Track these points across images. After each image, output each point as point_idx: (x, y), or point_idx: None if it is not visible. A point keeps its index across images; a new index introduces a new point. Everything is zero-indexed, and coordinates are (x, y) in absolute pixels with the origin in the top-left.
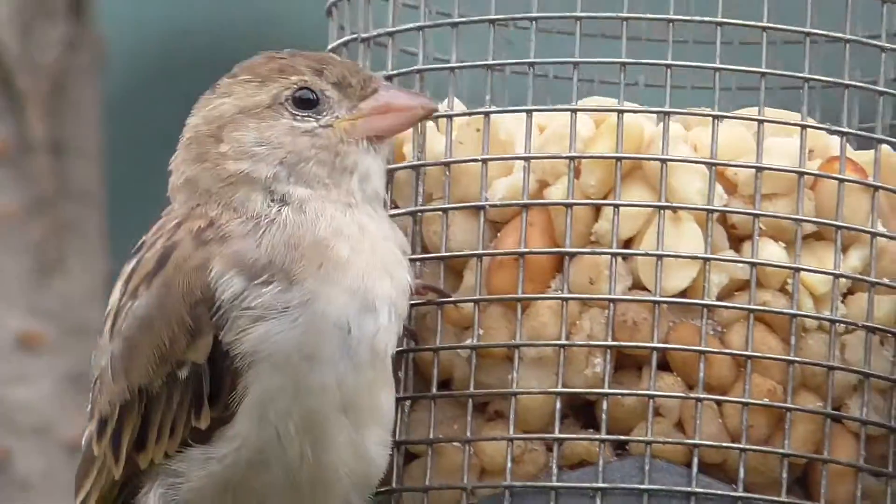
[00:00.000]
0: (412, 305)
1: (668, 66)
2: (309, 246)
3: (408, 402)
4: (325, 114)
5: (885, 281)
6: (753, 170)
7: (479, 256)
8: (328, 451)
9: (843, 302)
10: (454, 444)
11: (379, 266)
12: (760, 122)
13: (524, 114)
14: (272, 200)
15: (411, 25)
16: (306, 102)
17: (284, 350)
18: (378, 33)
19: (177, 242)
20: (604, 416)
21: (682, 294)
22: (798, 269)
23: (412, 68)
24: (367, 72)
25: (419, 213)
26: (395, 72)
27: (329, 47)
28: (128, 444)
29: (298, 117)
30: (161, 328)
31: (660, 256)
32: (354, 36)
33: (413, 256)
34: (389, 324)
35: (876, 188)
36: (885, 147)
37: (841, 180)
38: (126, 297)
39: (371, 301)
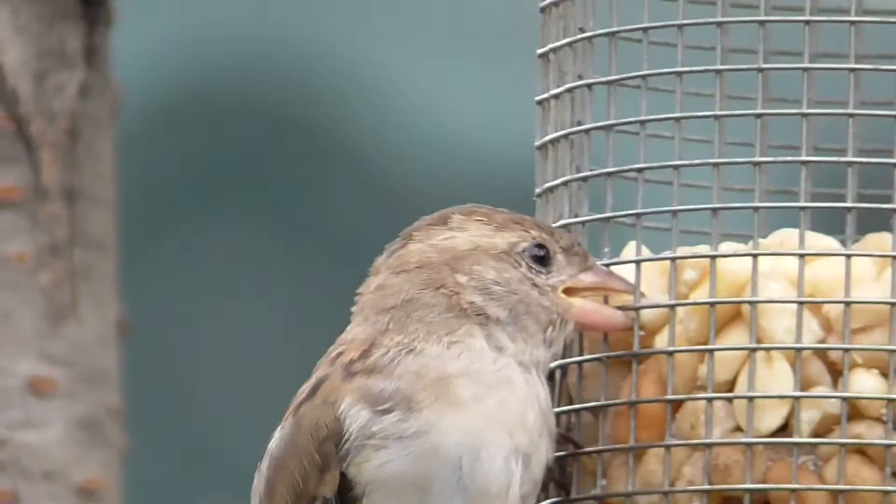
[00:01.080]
0: (559, 458)
1: (755, 208)
2: (433, 378)
3: None
4: (552, 274)
5: None
6: (843, 305)
7: (602, 408)
8: None
9: None
10: None
11: (499, 418)
12: (848, 256)
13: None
14: (489, 344)
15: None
16: (539, 259)
17: (397, 479)
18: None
19: (329, 375)
20: None
21: (779, 433)
22: (890, 400)
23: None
24: (585, 247)
25: (565, 366)
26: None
27: (558, 223)
28: None
29: (533, 270)
30: (293, 465)
31: (750, 398)
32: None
33: (560, 409)
34: (507, 463)
35: None
36: None
37: None
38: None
39: (480, 445)
